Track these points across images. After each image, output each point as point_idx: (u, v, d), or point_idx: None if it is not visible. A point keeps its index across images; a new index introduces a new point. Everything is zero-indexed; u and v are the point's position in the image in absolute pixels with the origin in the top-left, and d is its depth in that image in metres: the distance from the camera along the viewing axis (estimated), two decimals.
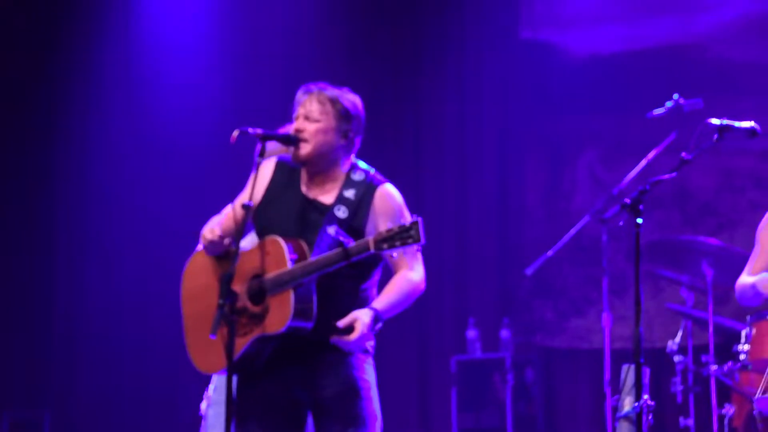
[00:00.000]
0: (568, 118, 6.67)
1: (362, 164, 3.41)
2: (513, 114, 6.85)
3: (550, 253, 5.15)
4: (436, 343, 6.87)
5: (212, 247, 3.29)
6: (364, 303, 3.29)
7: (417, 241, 3.02)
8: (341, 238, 3.14)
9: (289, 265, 3.17)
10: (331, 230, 3.20)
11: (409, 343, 6.88)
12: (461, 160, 7.00)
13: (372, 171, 3.38)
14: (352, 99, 3.36)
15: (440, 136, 7.04)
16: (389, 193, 3.33)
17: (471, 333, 6.55)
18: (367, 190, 3.31)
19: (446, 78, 7.00)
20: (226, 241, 3.26)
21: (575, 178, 6.68)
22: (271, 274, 3.19)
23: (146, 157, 7.18)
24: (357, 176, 3.34)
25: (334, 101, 3.32)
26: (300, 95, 3.35)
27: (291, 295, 3.13)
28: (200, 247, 3.39)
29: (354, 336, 3.14)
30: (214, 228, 3.30)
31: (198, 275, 3.38)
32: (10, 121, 7.11)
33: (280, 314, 3.14)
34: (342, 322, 3.16)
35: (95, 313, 7.10)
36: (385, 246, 3.05)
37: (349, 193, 3.30)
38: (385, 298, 3.25)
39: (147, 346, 6.94)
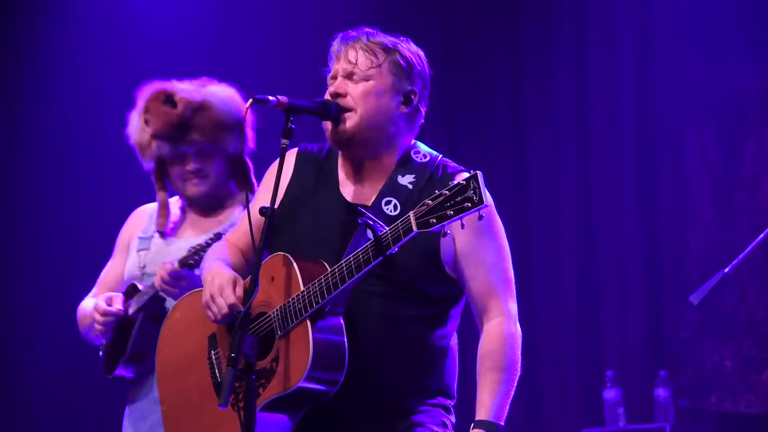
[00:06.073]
0: (745, 64, 6.59)
1: (425, 148, 3.40)
2: (658, 60, 6.84)
3: (727, 269, 4.87)
4: (557, 408, 6.88)
5: (222, 318, 3.26)
6: (439, 360, 3.28)
7: (478, 204, 2.95)
8: (371, 222, 3.12)
9: (301, 287, 3.17)
10: (372, 234, 3.16)
11: (514, 409, 6.78)
12: (583, 133, 7.02)
13: (440, 156, 3.37)
14: (414, 49, 3.37)
15: (550, 95, 7.11)
16: None
17: (610, 393, 6.56)
18: (435, 177, 3.29)
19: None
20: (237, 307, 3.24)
21: (763, 158, 6.59)
22: (277, 306, 3.20)
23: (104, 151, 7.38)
24: (418, 158, 3.33)
25: (388, 49, 3.32)
26: (336, 46, 3.36)
27: (308, 328, 3.12)
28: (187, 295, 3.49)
29: None
30: (224, 286, 3.24)
31: (179, 338, 3.39)
32: None
33: (295, 360, 3.14)
34: None
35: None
36: (433, 221, 3.00)
37: (406, 180, 3.29)
38: (492, 393, 3.20)
39: None
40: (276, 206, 3.27)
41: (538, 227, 7.03)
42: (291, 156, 3.44)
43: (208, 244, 3.94)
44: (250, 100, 3.22)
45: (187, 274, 3.98)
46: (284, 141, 3.22)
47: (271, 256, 3.28)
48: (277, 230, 3.33)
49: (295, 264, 3.21)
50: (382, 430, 3.25)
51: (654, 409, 6.43)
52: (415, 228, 3.02)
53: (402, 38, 3.38)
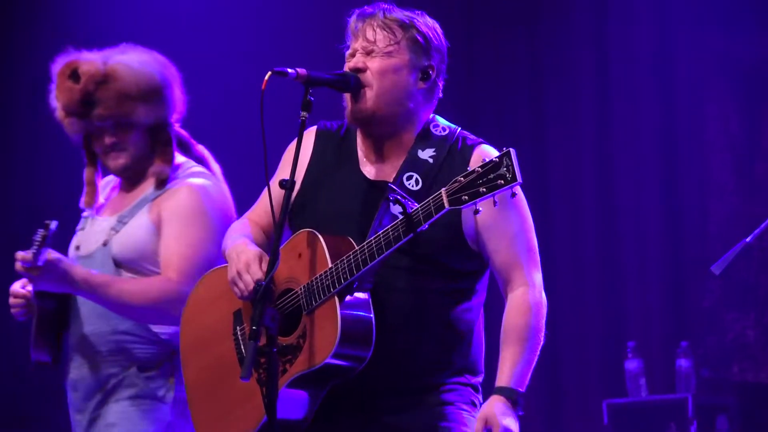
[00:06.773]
0: (766, 35, 6.65)
1: (444, 121, 3.40)
2: (679, 31, 6.86)
3: (749, 239, 4.69)
4: (577, 379, 6.94)
5: (248, 294, 3.25)
6: (465, 335, 3.29)
7: (511, 181, 2.95)
8: (401, 199, 3.12)
9: (329, 263, 3.15)
10: (396, 209, 3.16)
11: (536, 381, 6.83)
12: (604, 104, 7.06)
13: (458, 128, 3.37)
14: (430, 23, 3.37)
15: (571, 68, 7.14)
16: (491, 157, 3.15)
17: (631, 364, 6.57)
18: (455, 150, 3.30)
19: None
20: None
21: None
22: (304, 283, 3.20)
23: None
24: (437, 132, 3.35)
25: (405, 26, 3.32)
26: (353, 23, 3.36)
27: (336, 305, 3.12)
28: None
29: None
30: (250, 262, 3.23)
31: (203, 314, 3.39)
32: None
33: (322, 336, 3.13)
34: None
35: None
36: (465, 198, 2.99)
37: (426, 154, 3.30)
38: (514, 362, 3.21)
39: None
40: (296, 182, 3.26)
41: (559, 199, 7.03)
42: (310, 134, 3.43)
43: (39, 236, 3.78)
44: (269, 73, 3.18)
45: (40, 259, 3.76)
46: (303, 114, 3.22)
47: (297, 233, 3.27)
48: (299, 209, 3.34)
49: (322, 240, 3.20)
50: (410, 405, 3.26)
51: (676, 379, 6.44)
52: (447, 205, 3.02)
53: (417, 12, 3.38)
